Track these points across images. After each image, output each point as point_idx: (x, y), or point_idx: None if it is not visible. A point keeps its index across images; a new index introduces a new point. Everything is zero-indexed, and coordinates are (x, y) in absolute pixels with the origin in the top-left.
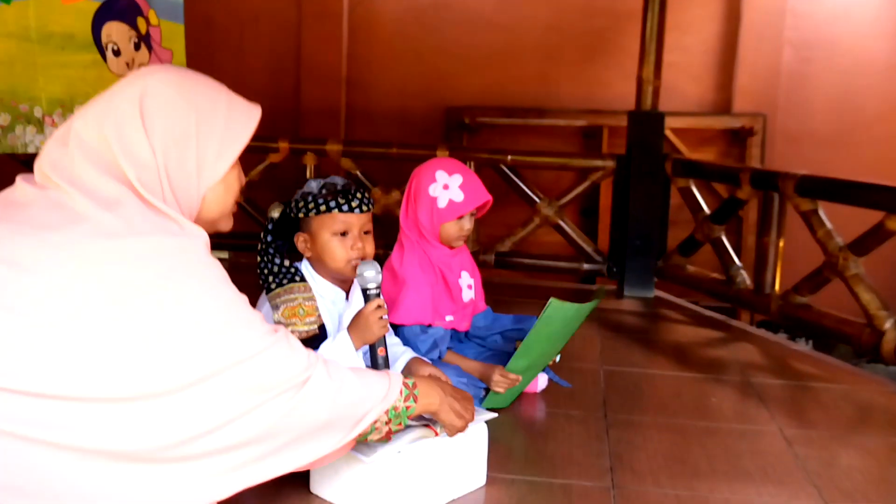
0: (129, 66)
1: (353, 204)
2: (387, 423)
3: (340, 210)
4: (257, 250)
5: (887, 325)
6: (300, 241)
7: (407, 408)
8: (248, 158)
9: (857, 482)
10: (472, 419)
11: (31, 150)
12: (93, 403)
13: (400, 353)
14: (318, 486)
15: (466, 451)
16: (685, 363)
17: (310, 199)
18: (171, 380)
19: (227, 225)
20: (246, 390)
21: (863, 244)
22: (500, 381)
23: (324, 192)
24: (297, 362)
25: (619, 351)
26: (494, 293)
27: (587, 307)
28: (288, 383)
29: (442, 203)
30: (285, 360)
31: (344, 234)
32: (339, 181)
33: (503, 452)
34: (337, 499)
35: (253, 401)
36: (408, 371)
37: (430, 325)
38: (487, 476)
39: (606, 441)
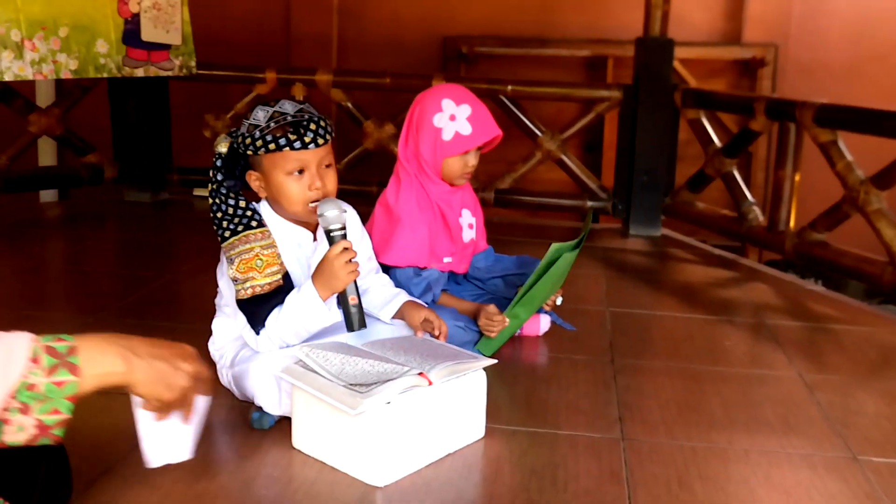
0: None
1: (307, 139)
2: (24, 412)
3: (292, 148)
4: (208, 191)
5: None
6: (252, 179)
7: (58, 385)
8: (233, 89)
9: (885, 431)
10: (188, 386)
11: (7, 77)
12: None
13: (391, 296)
14: (301, 442)
15: (463, 401)
16: (695, 304)
17: (257, 134)
18: None
19: None
20: None
21: (886, 177)
22: (488, 325)
23: (272, 125)
24: None
25: (626, 292)
26: (494, 233)
27: (582, 236)
28: None
29: (447, 135)
30: None
31: (300, 172)
32: (289, 108)
33: (503, 402)
34: (321, 454)
35: None
36: (401, 316)
37: (424, 268)
38: (486, 427)
39: (614, 388)
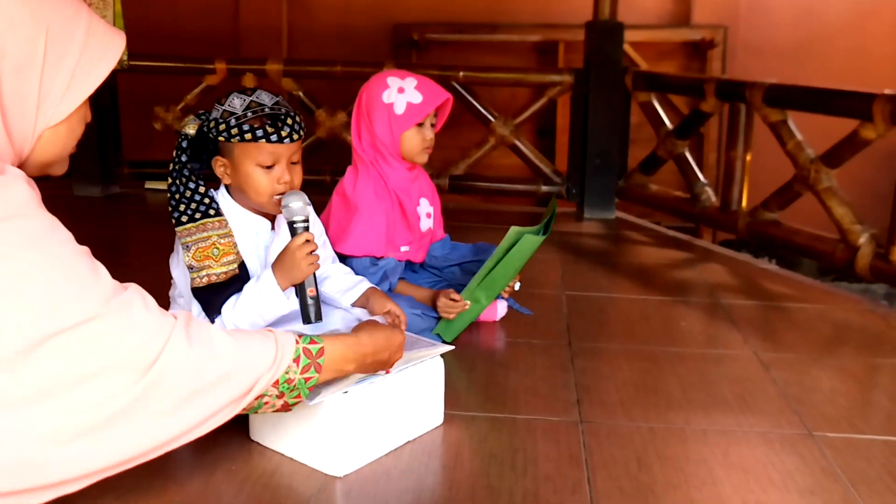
0: None
1: (284, 133)
2: (279, 398)
3: (269, 140)
4: (169, 171)
5: (862, 239)
6: (218, 165)
7: (306, 380)
8: (182, 81)
9: (840, 407)
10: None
11: None
12: None
13: (354, 283)
14: (258, 434)
15: (421, 389)
16: (651, 286)
17: (233, 122)
18: None
19: (61, 169)
20: (73, 364)
21: (835, 155)
22: (447, 307)
23: (249, 115)
24: (137, 336)
25: (582, 275)
26: (449, 219)
27: (548, 222)
28: (123, 360)
29: (399, 108)
30: (119, 333)
31: (271, 166)
32: (266, 100)
33: (461, 388)
34: (280, 446)
35: (75, 378)
36: (363, 302)
37: (381, 257)
38: (445, 414)
39: (572, 371)
